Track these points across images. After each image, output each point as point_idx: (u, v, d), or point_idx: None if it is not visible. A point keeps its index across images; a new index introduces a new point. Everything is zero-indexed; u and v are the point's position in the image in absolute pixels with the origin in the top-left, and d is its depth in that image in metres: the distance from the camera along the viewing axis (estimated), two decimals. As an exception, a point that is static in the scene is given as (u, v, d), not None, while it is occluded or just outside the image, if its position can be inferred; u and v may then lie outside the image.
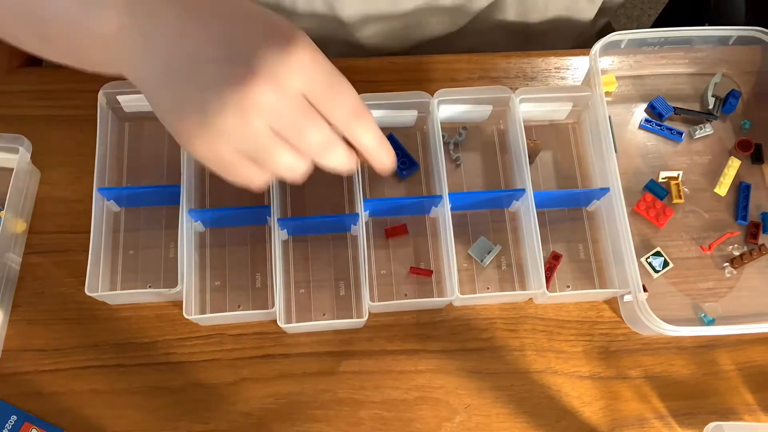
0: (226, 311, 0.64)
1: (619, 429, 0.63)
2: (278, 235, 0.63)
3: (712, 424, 0.58)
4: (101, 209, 0.64)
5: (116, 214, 0.66)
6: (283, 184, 0.67)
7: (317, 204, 0.67)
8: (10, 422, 0.59)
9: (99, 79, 0.70)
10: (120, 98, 0.66)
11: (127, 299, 0.63)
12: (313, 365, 0.63)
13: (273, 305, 0.60)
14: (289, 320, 0.64)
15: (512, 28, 0.78)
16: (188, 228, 0.62)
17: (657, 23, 1.10)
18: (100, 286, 0.63)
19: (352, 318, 0.64)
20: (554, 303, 0.66)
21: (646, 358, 0.65)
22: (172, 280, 0.63)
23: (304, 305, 0.65)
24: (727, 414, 0.63)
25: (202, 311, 0.64)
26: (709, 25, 0.89)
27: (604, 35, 0.67)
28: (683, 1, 1.01)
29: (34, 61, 0.74)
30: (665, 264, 0.66)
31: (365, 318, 0.60)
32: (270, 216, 0.63)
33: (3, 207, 0.63)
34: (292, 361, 0.63)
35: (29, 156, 0.65)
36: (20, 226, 0.64)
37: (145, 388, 0.62)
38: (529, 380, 0.64)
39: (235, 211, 0.65)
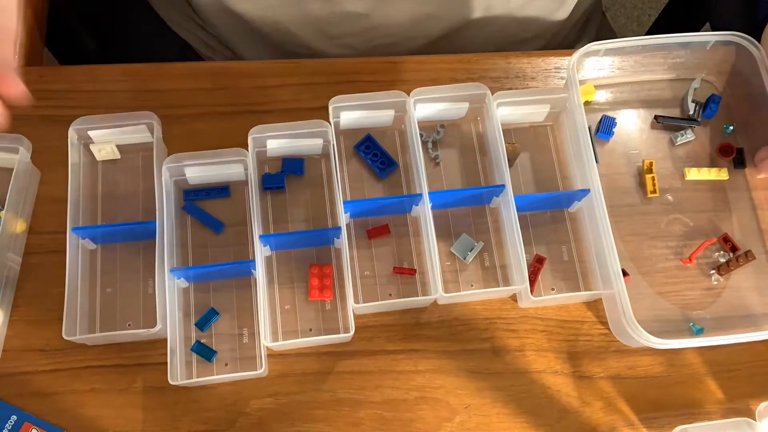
0: (213, 371, 0.62)
1: (620, 429, 0.63)
2: (261, 252, 0.62)
3: (678, 428, 0.59)
4: (76, 248, 0.63)
5: (92, 251, 0.65)
6: (264, 199, 0.67)
7: (299, 215, 0.67)
8: (10, 422, 0.59)
9: (98, 80, 0.71)
10: (91, 133, 0.65)
11: (107, 340, 0.62)
12: (313, 365, 0.63)
13: (261, 366, 0.59)
14: (275, 339, 0.63)
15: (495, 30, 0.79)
16: (170, 286, 0.61)
17: (657, 23, 1.09)
18: (78, 328, 0.61)
19: (339, 333, 0.63)
20: (540, 306, 0.66)
21: (646, 358, 0.65)
22: (151, 318, 0.62)
23: (290, 322, 0.64)
24: (728, 413, 0.63)
25: (189, 375, 0.62)
26: (710, 24, 0.89)
27: (601, 36, 0.67)
28: (683, 1, 1.01)
29: (34, 61, 0.74)
30: None
31: (351, 333, 0.60)
32: (254, 269, 0.62)
33: (3, 207, 0.63)
34: (292, 361, 0.63)
35: (29, 156, 0.65)
36: (20, 226, 0.64)
37: (145, 388, 0.62)
38: (529, 380, 0.64)
39: (220, 267, 0.63)
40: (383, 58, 0.74)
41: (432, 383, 0.63)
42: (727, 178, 0.70)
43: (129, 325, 0.63)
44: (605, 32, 0.96)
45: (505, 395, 0.63)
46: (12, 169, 0.63)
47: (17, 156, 0.63)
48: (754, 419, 0.60)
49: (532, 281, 0.65)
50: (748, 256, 0.66)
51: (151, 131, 0.66)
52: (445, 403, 0.63)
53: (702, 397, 0.64)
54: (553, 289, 0.66)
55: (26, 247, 0.65)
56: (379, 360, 0.64)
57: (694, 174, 0.70)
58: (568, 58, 0.66)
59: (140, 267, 0.65)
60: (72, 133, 0.64)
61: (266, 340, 0.59)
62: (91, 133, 0.65)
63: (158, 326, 0.59)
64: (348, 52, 0.79)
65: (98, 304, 0.64)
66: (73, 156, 0.64)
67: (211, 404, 0.61)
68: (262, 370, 0.59)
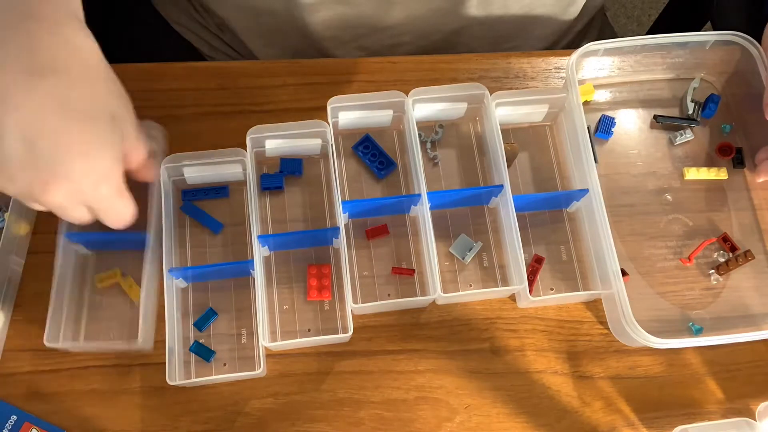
0: (211, 371, 0.62)
1: (620, 429, 0.63)
2: (260, 252, 0.62)
3: (678, 428, 0.59)
4: (67, 252, 0.62)
5: (84, 257, 0.65)
6: (262, 199, 0.67)
7: (298, 215, 0.67)
8: (10, 422, 0.59)
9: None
10: None
11: (88, 349, 0.62)
12: (313, 365, 0.63)
13: (260, 366, 0.60)
14: (274, 339, 0.63)
15: (483, 26, 0.78)
16: (169, 286, 0.61)
17: (657, 23, 1.09)
18: (62, 335, 0.61)
19: (337, 333, 0.63)
20: (540, 306, 0.66)
21: (646, 358, 0.65)
22: (135, 330, 0.61)
23: (289, 322, 0.64)
24: (728, 413, 0.63)
25: (187, 375, 0.62)
26: (711, 24, 0.89)
27: (602, 36, 0.67)
28: (684, 1, 1.01)
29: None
30: None
31: (350, 333, 0.60)
32: (253, 269, 0.62)
33: (7, 209, 0.63)
34: (292, 361, 0.63)
35: (30, 157, 0.65)
36: (23, 229, 0.65)
37: (144, 388, 0.62)
38: (529, 380, 0.64)
39: (218, 267, 0.63)
40: (383, 58, 0.74)
41: (432, 383, 0.63)
42: (726, 177, 0.70)
43: (113, 335, 0.62)
44: (606, 32, 0.96)
45: (505, 395, 0.63)
46: (13, 170, 0.63)
47: (18, 157, 0.63)
48: (754, 419, 0.60)
49: (531, 281, 0.65)
50: (748, 255, 0.66)
51: None
52: (445, 403, 0.63)
53: (702, 397, 0.64)
54: (551, 289, 0.66)
55: (29, 247, 0.65)
56: (379, 360, 0.64)
57: (693, 174, 0.70)
58: (567, 58, 0.66)
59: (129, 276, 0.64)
60: None
61: (265, 341, 0.59)
62: None
63: (139, 340, 0.58)
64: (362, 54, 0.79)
65: (84, 312, 0.63)
66: None
67: (211, 404, 0.62)
68: (260, 371, 0.59)
